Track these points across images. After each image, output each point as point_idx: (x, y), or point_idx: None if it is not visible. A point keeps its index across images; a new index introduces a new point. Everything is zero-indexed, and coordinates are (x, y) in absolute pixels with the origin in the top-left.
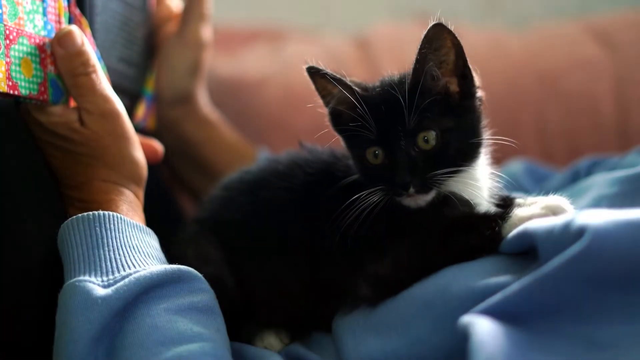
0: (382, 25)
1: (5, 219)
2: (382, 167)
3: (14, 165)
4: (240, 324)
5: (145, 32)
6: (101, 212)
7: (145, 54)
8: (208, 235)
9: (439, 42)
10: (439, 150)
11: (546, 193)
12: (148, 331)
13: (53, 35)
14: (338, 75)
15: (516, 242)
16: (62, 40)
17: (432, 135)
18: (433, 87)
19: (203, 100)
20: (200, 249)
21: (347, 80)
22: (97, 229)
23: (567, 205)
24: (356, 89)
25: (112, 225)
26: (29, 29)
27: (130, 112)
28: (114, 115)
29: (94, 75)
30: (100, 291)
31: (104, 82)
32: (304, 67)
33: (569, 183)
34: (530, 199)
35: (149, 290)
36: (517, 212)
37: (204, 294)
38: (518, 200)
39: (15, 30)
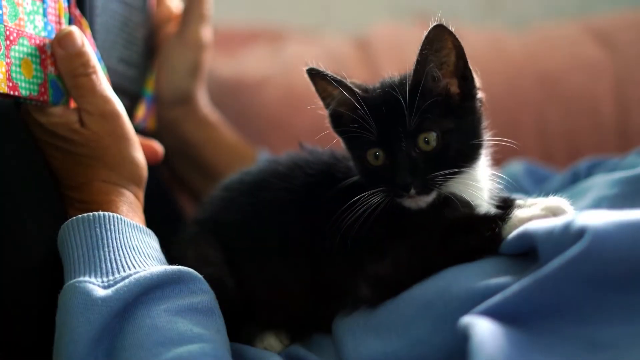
0: (382, 25)
1: (5, 219)
2: (382, 168)
3: (14, 165)
4: (241, 325)
5: (146, 33)
6: (101, 212)
7: (145, 54)
8: (208, 236)
9: (440, 43)
10: (440, 151)
11: (546, 194)
12: (148, 332)
13: (53, 36)
14: (338, 77)
15: (516, 243)
16: (62, 41)
17: (432, 136)
18: (434, 88)
19: (203, 100)
20: (200, 249)
21: (348, 81)
22: (97, 229)
23: (567, 207)
24: (357, 90)
25: (112, 226)
26: (29, 29)
27: (131, 112)
28: (114, 116)
29: (94, 76)
30: (100, 292)
31: (104, 82)
32: (304, 68)
33: (569, 184)
34: (531, 200)
35: (149, 291)
36: (517, 213)
37: (204, 295)
38: (518, 202)
39: (16, 31)
